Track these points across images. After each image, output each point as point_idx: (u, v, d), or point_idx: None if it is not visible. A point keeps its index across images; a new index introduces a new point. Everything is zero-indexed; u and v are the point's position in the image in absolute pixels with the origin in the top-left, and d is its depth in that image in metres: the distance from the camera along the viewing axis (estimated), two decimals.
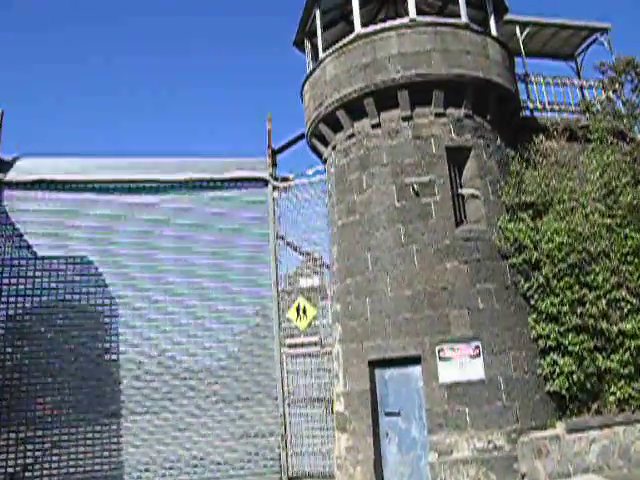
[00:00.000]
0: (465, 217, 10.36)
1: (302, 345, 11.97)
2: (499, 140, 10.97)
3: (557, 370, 9.27)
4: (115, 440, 11.36)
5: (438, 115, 10.41)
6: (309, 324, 11.98)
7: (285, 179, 13.25)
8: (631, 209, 9.53)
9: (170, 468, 11.38)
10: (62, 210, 12.44)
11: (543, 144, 11.11)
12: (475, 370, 9.13)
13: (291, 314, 12.14)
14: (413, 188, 10.07)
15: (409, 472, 9.33)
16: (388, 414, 9.65)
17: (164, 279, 12.35)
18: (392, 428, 9.59)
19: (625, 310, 9.23)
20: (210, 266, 12.58)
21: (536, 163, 10.75)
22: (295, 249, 12.82)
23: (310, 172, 13.12)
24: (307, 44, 12.89)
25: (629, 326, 9.08)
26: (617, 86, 11.25)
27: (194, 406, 11.78)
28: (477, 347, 9.23)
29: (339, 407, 10.44)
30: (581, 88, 13.20)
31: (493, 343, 9.33)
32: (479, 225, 10.10)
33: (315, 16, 11.97)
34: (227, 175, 13.08)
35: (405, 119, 10.45)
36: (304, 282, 12.46)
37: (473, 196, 10.29)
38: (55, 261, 12.07)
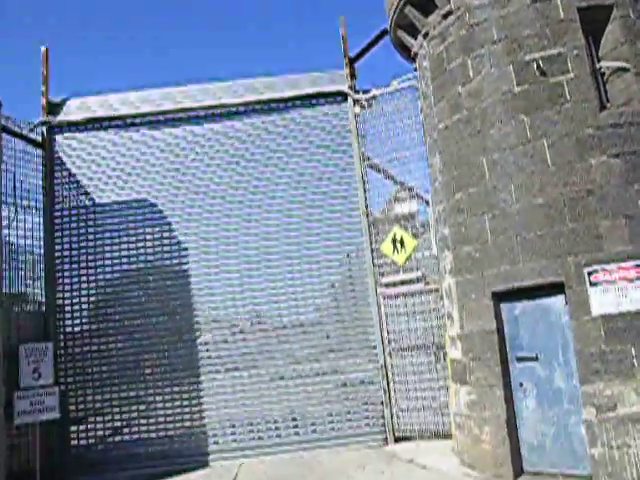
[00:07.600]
0: (607, 99, 7.77)
1: (402, 283, 9.96)
2: None
3: None
4: (208, 398, 10.11)
5: None
6: (408, 257, 9.91)
7: (366, 91, 11.10)
8: None
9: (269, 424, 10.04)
10: (122, 150, 11.09)
11: None
12: None
13: (385, 248, 10.11)
14: (538, 65, 7.60)
15: (553, 432, 7.17)
16: (521, 359, 7.50)
17: (247, 226, 10.75)
18: (528, 377, 7.43)
19: None
20: (293, 201, 10.78)
21: None
22: (383, 172, 10.69)
23: (396, 82, 10.90)
24: None
25: None
26: None
27: (286, 361, 10.22)
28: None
29: (455, 354, 8.41)
30: None
31: None
32: (631, 106, 7.47)
33: None
34: (301, 92, 11.13)
35: None
36: (399, 209, 10.34)
37: (620, 69, 7.64)
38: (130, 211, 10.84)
